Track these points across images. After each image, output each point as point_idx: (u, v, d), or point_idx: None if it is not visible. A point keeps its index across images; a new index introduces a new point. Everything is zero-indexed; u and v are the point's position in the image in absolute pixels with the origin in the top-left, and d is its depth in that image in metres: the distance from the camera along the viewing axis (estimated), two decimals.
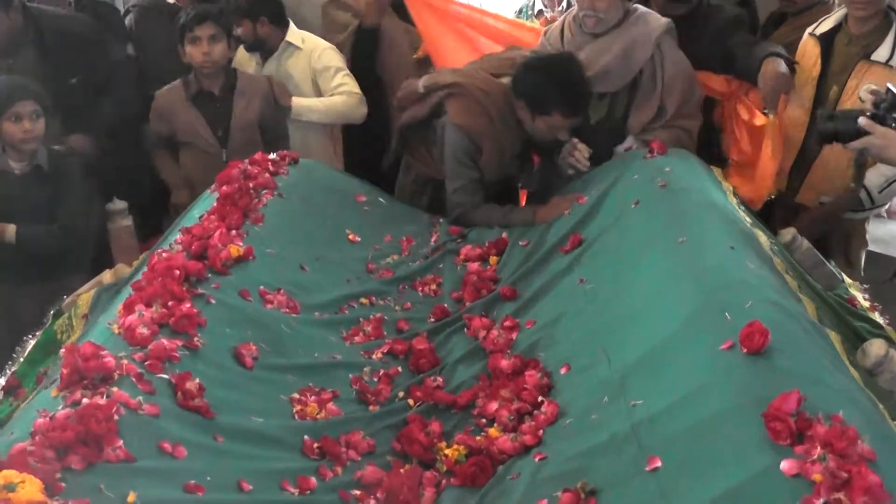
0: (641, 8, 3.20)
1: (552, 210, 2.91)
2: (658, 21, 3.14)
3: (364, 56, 3.78)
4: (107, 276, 2.78)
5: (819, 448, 1.43)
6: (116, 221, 3.52)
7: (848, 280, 2.97)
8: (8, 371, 2.53)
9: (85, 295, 2.68)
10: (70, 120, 3.49)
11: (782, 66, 3.10)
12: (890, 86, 2.40)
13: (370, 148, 3.67)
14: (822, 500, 1.36)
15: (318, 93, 3.70)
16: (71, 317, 2.64)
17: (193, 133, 3.49)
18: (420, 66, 3.75)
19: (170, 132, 3.52)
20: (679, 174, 2.70)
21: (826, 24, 3.20)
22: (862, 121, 2.34)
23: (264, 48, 3.70)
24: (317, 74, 3.69)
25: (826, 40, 3.17)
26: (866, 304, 2.93)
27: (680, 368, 1.83)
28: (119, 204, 3.55)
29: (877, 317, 2.86)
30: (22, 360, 2.55)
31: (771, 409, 1.52)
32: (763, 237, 2.53)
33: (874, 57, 3.07)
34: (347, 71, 3.69)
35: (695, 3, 3.36)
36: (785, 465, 1.44)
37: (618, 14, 3.11)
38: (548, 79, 2.92)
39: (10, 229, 3.09)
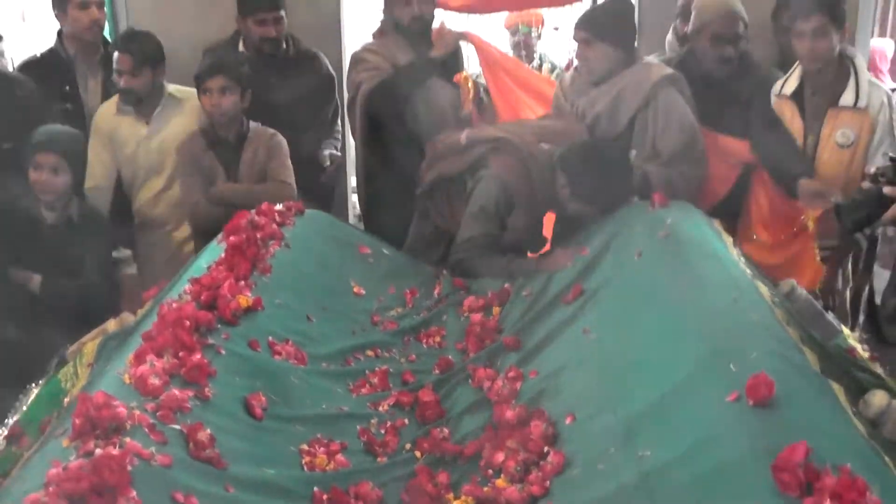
0: (648, 59, 3.29)
1: (555, 261, 2.94)
2: (659, 71, 3.22)
3: (398, 101, 3.70)
4: (111, 325, 2.79)
5: (829, 500, 1.44)
6: (121, 269, 3.54)
7: (847, 331, 3.00)
8: (11, 419, 2.54)
9: (90, 343, 2.68)
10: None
11: (817, 186, 3.19)
12: (892, 154, 2.50)
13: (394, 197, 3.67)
14: None
15: None
16: (76, 365, 2.64)
17: (214, 179, 3.55)
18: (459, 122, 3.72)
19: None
20: (681, 226, 2.74)
21: (791, 83, 3.35)
22: (887, 190, 2.42)
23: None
24: None
25: (796, 97, 3.31)
26: (865, 354, 2.96)
27: (687, 419, 1.84)
28: (123, 252, 3.58)
29: (877, 367, 2.89)
30: (25, 408, 2.56)
31: (779, 460, 1.53)
32: (764, 288, 2.56)
33: (841, 103, 3.24)
34: None
35: (735, 63, 3.46)
36: None
37: (609, 64, 3.21)
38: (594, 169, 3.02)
39: (36, 279, 3.15)
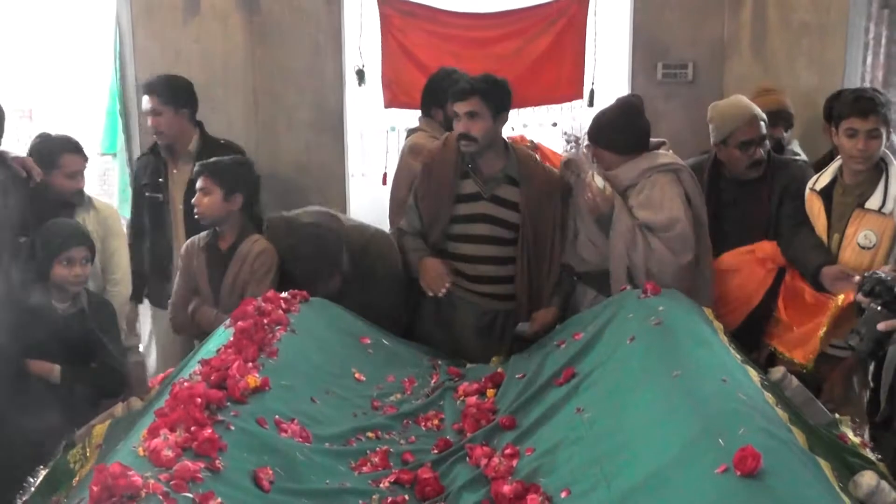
0: (658, 151, 3.47)
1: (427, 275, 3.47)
2: (662, 159, 3.40)
3: None
4: (118, 410, 2.87)
5: None
6: (130, 357, 3.63)
7: (839, 417, 3.08)
8: (20, 500, 2.59)
9: (98, 426, 2.77)
10: None
11: (838, 269, 3.28)
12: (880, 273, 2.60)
13: None
14: None
15: None
16: (84, 447, 2.72)
17: (199, 283, 3.61)
18: None
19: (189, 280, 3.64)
20: (672, 313, 2.85)
21: (824, 179, 3.46)
22: (881, 326, 2.56)
23: None
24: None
25: (825, 193, 3.41)
26: (857, 440, 3.03)
27: (677, 492, 1.92)
28: (132, 340, 3.68)
29: (868, 453, 2.96)
30: (33, 489, 2.62)
31: None
32: (753, 373, 2.66)
33: (867, 205, 3.31)
34: None
35: (765, 163, 3.60)
36: None
37: (617, 164, 3.42)
38: None
39: (56, 370, 3.22)
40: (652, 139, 3.53)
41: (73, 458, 2.69)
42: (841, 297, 3.26)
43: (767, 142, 3.64)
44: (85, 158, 3.86)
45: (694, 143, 4.34)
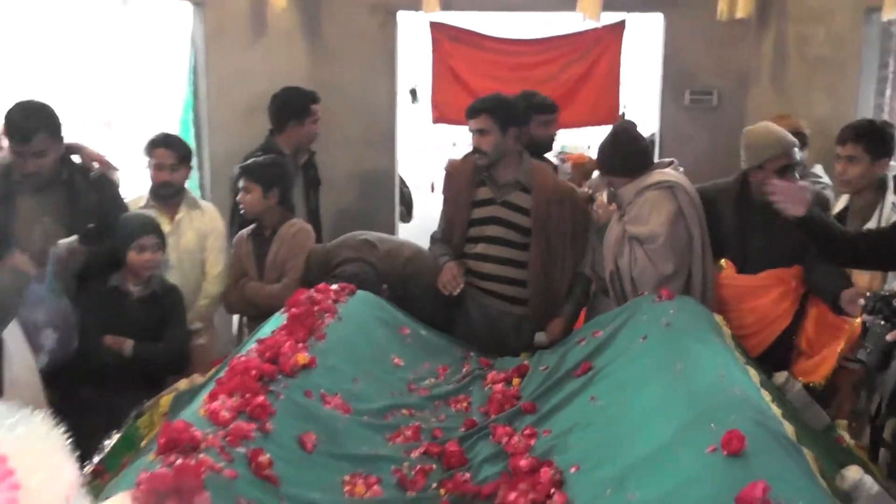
0: (662, 170, 3.58)
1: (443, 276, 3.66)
2: (658, 178, 3.50)
3: None
4: (183, 384, 3.07)
5: None
6: (193, 340, 3.83)
7: (837, 421, 3.18)
8: (95, 458, 2.80)
9: (165, 398, 2.97)
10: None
11: (854, 292, 3.30)
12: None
13: None
14: None
15: None
16: (152, 415, 2.92)
17: (247, 266, 3.92)
18: None
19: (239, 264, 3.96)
20: (682, 316, 2.97)
21: (839, 204, 3.58)
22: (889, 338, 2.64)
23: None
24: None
25: (839, 218, 3.49)
26: (852, 442, 3.13)
27: (671, 468, 2.05)
28: (197, 324, 3.88)
29: (862, 454, 3.05)
30: (107, 450, 2.83)
31: (741, 494, 1.76)
32: (753, 373, 2.77)
33: (868, 225, 3.39)
34: None
35: None
36: None
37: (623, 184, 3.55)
38: None
39: (129, 344, 3.39)
40: (663, 159, 3.66)
41: (142, 424, 2.90)
42: (858, 319, 3.29)
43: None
44: (176, 153, 3.96)
45: (716, 164, 4.46)
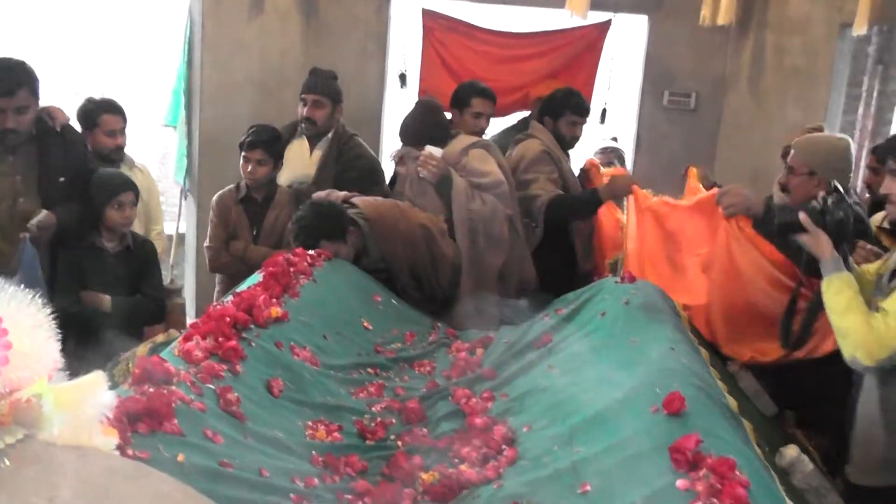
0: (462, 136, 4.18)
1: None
2: (473, 139, 4.13)
3: None
4: (159, 337, 3.15)
5: (705, 470, 1.78)
6: (172, 299, 3.91)
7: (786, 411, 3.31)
8: None
9: (142, 348, 3.04)
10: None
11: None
12: (835, 182, 2.71)
13: None
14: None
15: None
16: (128, 365, 3.00)
17: (239, 229, 4.00)
18: None
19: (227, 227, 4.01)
20: (641, 296, 3.07)
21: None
22: (801, 216, 2.66)
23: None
24: None
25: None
26: (798, 431, 3.27)
27: (616, 426, 2.16)
28: (176, 284, 3.97)
29: (804, 440, 3.19)
30: None
31: (675, 444, 1.87)
32: (705, 353, 2.89)
33: None
34: None
35: None
36: (679, 482, 1.78)
37: None
38: None
39: (106, 300, 3.48)
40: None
41: (118, 373, 2.97)
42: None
43: None
44: (124, 118, 4.08)
45: (690, 162, 4.55)
